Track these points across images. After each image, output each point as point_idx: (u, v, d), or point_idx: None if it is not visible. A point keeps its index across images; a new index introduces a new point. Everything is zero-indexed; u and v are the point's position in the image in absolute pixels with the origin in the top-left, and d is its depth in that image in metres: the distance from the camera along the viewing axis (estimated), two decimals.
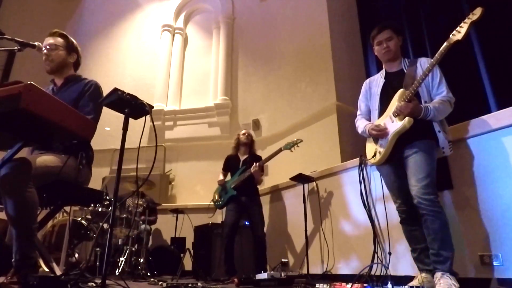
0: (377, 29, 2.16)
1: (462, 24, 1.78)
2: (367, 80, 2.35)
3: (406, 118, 1.88)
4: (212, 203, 3.66)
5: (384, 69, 2.24)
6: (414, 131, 1.88)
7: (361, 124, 2.23)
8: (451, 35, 1.80)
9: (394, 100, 2.00)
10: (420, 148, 1.88)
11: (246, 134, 3.63)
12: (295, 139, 3.39)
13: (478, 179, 2.03)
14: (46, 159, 1.75)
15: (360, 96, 2.36)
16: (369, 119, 2.25)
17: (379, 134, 2.03)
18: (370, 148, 2.16)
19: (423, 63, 2.02)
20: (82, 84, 2.02)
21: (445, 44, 1.80)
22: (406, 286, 1.70)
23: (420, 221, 1.85)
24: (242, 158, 3.58)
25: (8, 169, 1.49)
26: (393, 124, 1.95)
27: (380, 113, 2.12)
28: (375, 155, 2.08)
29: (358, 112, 2.34)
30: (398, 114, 1.92)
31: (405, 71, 2.07)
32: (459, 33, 1.77)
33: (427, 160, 1.85)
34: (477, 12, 1.74)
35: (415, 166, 1.86)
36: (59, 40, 2.05)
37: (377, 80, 2.23)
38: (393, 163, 2.05)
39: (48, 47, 2.00)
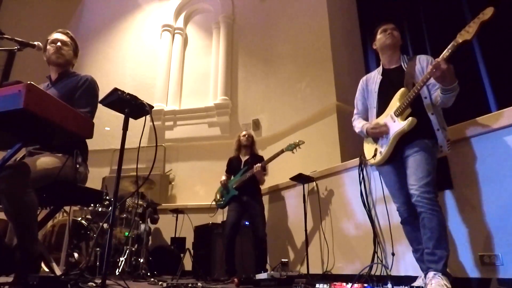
0: (383, 23, 2.18)
1: (471, 24, 1.66)
2: (364, 78, 2.31)
3: (410, 118, 1.85)
4: (213, 203, 3.66)
5: (381, 66, 2.20)
6: (414, 130, 1.86)
7: (358, 124, 2.20)
8: (458, 35, 1.67)
9: (394, 99, 1.97)
10: (421, 147, 1.86)
11: (247, 136, 3.63)
12: (297, 141, 3.36)
13: (478, 179, 2.03)
14: (43, 161, 1.73)
15: (357, 95, 2.31)
16: (366, 118, 2.23)
17: (380, 133, 1.99)
18: (369, 147, 2.13)
19: (422, 60, 1.99)
20: (76, 79, 2.05)
21: (452, 43, 1.70)
22: (408, 287, 1.68)
23: None
24: (244, 159, 3.59)
25: (6, 174, 1.48)
26: (395, 124, 1.92)
27: (378, 110, 2.09)
28: (375, 155, 2.04)
29: (355, 111, 2.31)
30: (439, 75, 1.70)
31: (404, 68, 2.04)
32: (467, 32, 1.66)
33: (428, 159, 1.82)
34: (488, 12, 1.61)
35: (415, 165, 1.83)
36: (71, 41, 2.15)
37: (374, 77, 2.20)
38: (393, 162, 2.02)
39: (61, 41, 2.08)
